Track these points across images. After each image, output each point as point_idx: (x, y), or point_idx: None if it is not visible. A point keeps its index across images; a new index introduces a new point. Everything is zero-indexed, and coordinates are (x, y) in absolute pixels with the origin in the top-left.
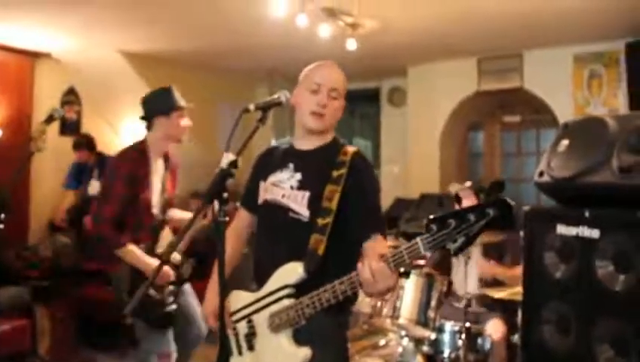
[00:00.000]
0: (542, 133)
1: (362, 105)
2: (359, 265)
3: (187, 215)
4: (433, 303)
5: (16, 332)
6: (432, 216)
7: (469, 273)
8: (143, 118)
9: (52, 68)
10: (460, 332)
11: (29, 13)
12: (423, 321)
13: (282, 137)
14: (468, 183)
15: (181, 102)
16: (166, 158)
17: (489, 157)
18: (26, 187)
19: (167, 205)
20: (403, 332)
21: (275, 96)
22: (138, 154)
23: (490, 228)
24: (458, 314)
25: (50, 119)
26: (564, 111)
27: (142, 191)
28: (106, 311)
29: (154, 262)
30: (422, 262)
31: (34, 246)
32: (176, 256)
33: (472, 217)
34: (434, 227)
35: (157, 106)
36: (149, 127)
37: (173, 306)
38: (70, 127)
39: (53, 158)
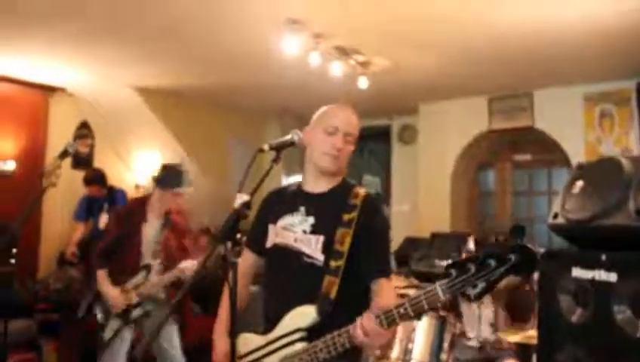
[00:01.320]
0: (554, 172)
1: (373, 143)
2: (351, 327)
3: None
4: (446, 345)
5: None
6: (451, 261)
7: (483, 316)
8: (154, 178)
9: (66, 102)
10: None
11: (45, 49)
12: None
13: (293, 174)
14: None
15: (179, 186)
16: (167, 216)
17: (500, 195)
18: (37, 220)
19: (160, 255)
20: None
21: (289, 136)
22: (138, 205)
23: (511, 273)
24: (471, 357)
25: (64, 154)
26: (576, 151)
27: (131, 235)
28: None
29: (110, 290)
30: None
31: (44, 279)
32: (134, 297)
33: (492, 262)
34: (453, 272)
35: (160, 178)
36: (155, 186)
37: (107, 335)
38: (83, 161)
39: (65, 192)
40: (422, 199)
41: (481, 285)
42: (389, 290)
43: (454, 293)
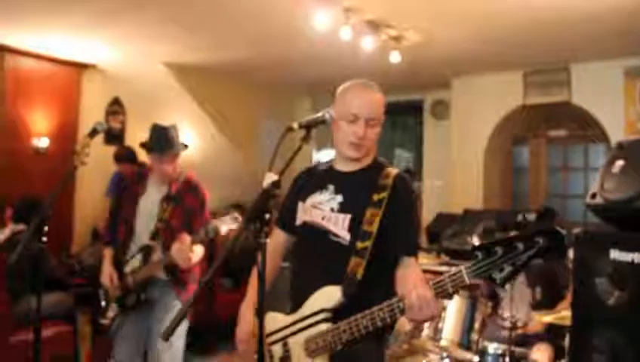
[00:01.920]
0: (590, 148)
1: (405, 117)
2: (405, 291)
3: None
4: (476, 325)
5: (59, 337)
6: (477, 243)
7: (516, 298)
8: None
9: (98, 79)
10: (504, 355)
11: (77, 26)
12: (465, 344)
13: (324, 149)
14: None
15: (163, 151)
16: (170, 189)
17: (534, 172)
18: (70, 195)
19: (160, 233)
20: (444, 354)
21: (320, 114)
22: (137, 176)
23: (539, 257)
24: (503, 337)
25: (93, 133)
26: (615, 127)
27: (125, 207)
28: None
29: (106, 271)
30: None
31: (77, 253)
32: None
33: (520, 246)
34: (479, 255)
35: (148, 141)
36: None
37: (106, 321)
38: (115, 137)
39: (97, 167)
40: (454, 175)
41: (507, 269)
42: (414, 269)
43: (480, 277)
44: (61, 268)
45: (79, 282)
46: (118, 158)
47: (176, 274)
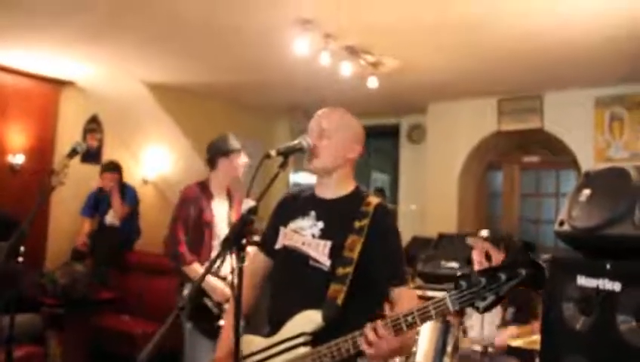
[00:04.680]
0: (561, 174)
1: (382, 141)
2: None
3: None
4: (449, 349)
5: (28, 358)
6: (461, 273)
7: (486, 318)
8: (208, 160)
9: (76, 96)
10: None
11: (56, 43)
12: None
13: (300, 171)
14: (484, 232)
15: (237, 144)
16: (229, 193)
17: (508, 197)
18: (45, 213)
19: None
20: None
21: (297, 141)
22: (200, 187)
23: (520, 287)
24: (474, 361)
25: (72, 153)
26: (585, 154)
27: (204, 215)
28: (117, 341)
29: (218, 289)
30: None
31: (50, 273)
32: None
33: (503, 276)
34: (463, 284)
35: (219, 149)
36: (212, 167)
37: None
38: (92, 155)
39: (73, 186)
40: (429, 199)
41: (490, 298)
42: (409, 299)
43: (463, 305)
44: (33, 288)
45: (50, 302)
46: (108, 168)
47: None
